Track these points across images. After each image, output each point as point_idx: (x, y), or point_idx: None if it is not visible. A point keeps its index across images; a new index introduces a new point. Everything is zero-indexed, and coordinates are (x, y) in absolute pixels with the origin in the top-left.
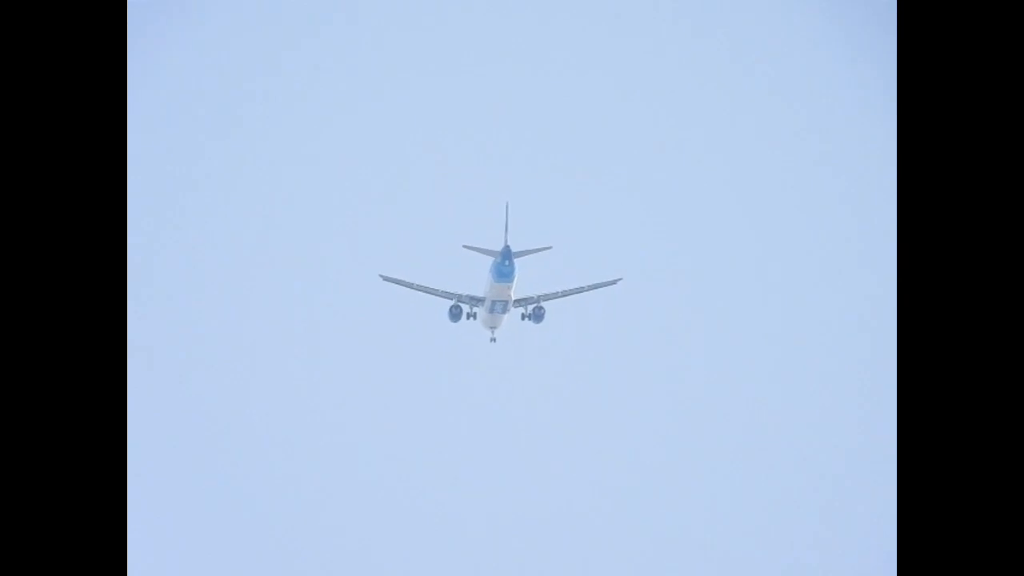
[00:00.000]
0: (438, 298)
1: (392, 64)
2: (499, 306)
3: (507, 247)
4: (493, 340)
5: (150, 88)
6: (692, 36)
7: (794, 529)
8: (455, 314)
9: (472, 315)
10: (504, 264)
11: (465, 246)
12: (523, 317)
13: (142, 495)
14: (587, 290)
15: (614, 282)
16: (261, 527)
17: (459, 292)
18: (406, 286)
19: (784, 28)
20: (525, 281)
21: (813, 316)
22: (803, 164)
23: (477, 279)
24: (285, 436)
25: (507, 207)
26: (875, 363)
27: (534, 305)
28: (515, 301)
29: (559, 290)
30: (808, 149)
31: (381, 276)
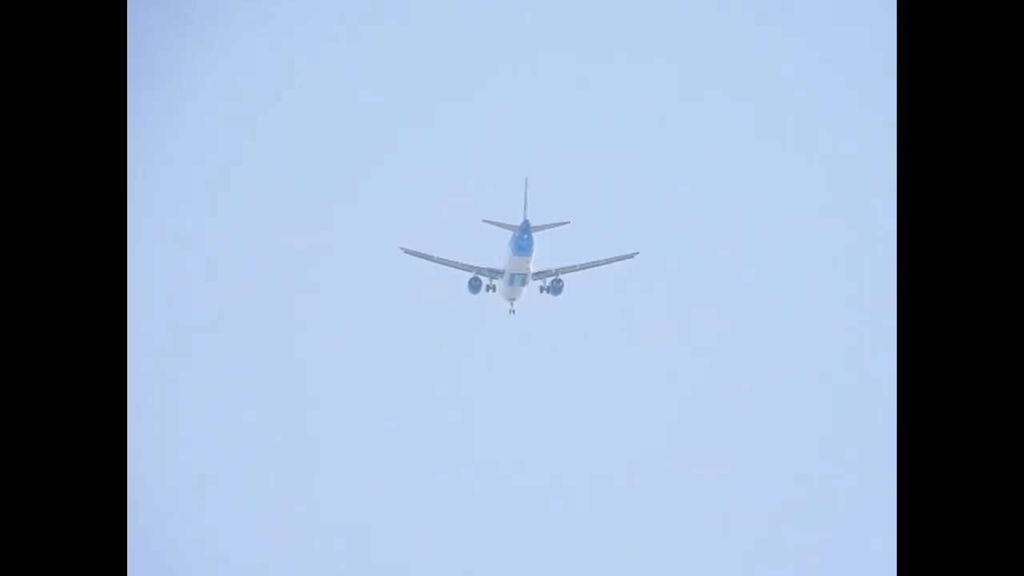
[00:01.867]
0: (458, 271)
1: (414, 40)
2: (518, 279)
3: (526, 222)
4: (512, 312)
5: (154, 78)
6: (707, 21)
7: (795, 516)
8: (475, 286)
9: (491, 287)
10: (523, 238)
11: (485, 221)
12: (542, 290)
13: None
14: (604, 263)
15: (631, 256)
16: (288, 500)
17: (479, 265)
18: (427, 259)
19: (792, 24)
20: (544, 255)
21: (821, 298)
22: (811, 149)
23: (497, 253)
24: (307, 408)
25: (527, 182)
26: (884, 341)
27: (552, 278)
28: (534, 274)
29: (577, 263)
30: (815, 137)
31: (402, 249)
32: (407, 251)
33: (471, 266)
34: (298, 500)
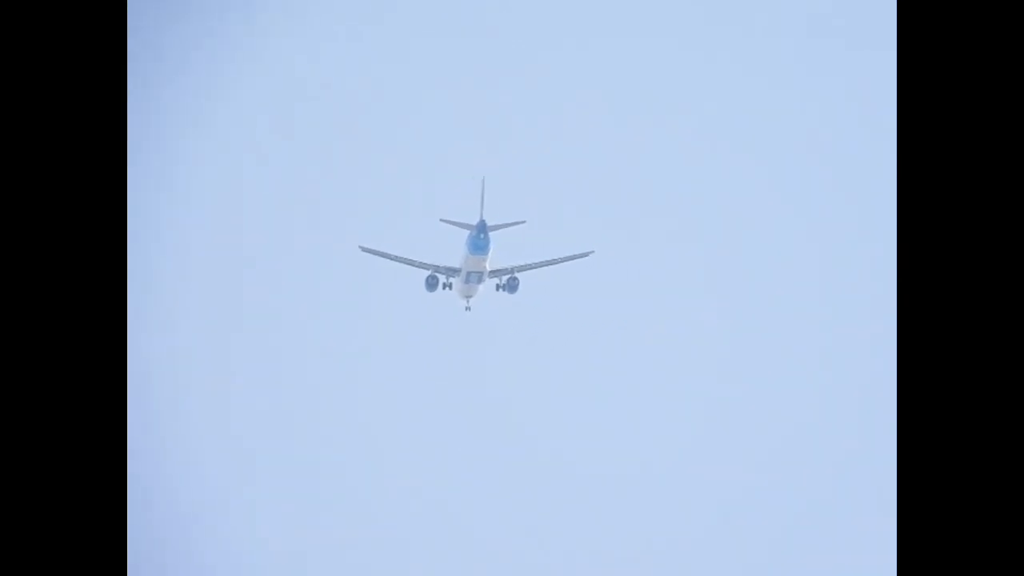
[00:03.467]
0: (416, 269)
1: (372, 39)
2: (474, 277)
3: (483, 221)
4: (468, 309)
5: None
6: (675, 17)
7: (767, 513)
8: (432, 284)
9: (448, 285)
10: (480, 237)
11: (442, 220)
12: (498, 288)
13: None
14: (560, 262)
15: (586, 255)
16: (248, 503)
17: (436, 263)
18: (385, 257)
19: (777, 18)
20: (501, 253)
21: (783, 294)
22: (780, 141)
23: (454, 251)
24: (267, 402)
25: (483, 182)
26: (833, 329)
27: (508, 276)
28: (490, 272)
29: (533, 262)
30: (776, 124)
31: (360, 247)
32: (365, 249)
33: (428, 264)
34: (255, 498)
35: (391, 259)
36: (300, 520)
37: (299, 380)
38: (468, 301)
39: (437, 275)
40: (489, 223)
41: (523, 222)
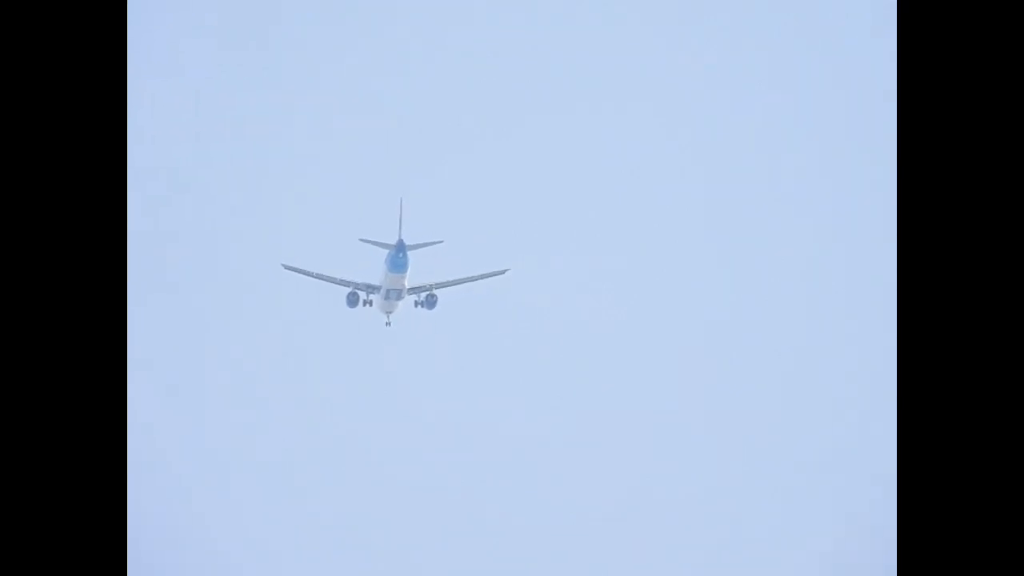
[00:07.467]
0: (337, 286)
1: (289, 55)
2: (394, 294)
3: (401, 240)
4: (388, 324)
5: None
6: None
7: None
8: (353, 300)
9: (369, 302)
10: (398, 256)
11: (362, 239)
12: (416, 304)
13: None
14: (477, 279)
15: (502, 272)
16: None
17: (357, 281)
18: (307, 275)
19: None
20: (421, 270)
21: (708, 308)
22: (687, 151)
23: (374, 269)
24: (188, 419)
25: (401, 202)
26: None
27: (427, 293)
28: (409, 289)
29: (451, 279)
30: (693, 140)
31: (283, 265)
32: (288, 267)
33: (349, 282)
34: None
35: (313, 277)
36: (219, 539)
37: (222, 397)
38: (388, 317)
39: (358, 292)
40: (407, 242)
41: (441, 241)
